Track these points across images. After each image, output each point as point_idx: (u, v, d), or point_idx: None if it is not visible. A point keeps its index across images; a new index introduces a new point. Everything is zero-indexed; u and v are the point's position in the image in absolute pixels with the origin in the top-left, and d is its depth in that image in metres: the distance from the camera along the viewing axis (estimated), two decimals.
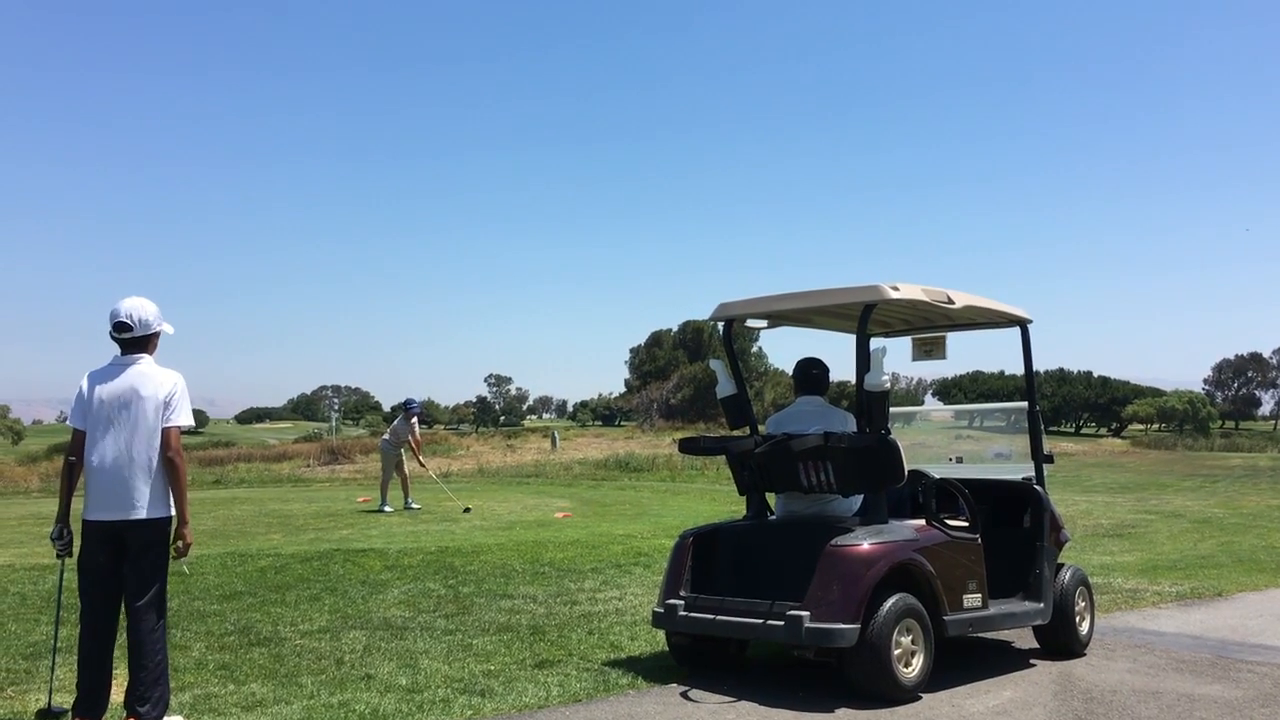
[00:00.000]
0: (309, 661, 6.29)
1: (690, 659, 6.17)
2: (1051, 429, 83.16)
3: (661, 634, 6.46)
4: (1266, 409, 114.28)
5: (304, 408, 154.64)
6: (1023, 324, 7.06)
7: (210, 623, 7.39)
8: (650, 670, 6.11)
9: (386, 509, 16.51)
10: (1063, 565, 6.83)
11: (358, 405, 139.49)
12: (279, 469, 34.69)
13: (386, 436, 17.68)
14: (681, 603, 5.97)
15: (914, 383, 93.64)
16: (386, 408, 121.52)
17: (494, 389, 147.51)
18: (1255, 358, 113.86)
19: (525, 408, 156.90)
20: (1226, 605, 9.00)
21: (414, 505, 16.83)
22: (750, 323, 6.90)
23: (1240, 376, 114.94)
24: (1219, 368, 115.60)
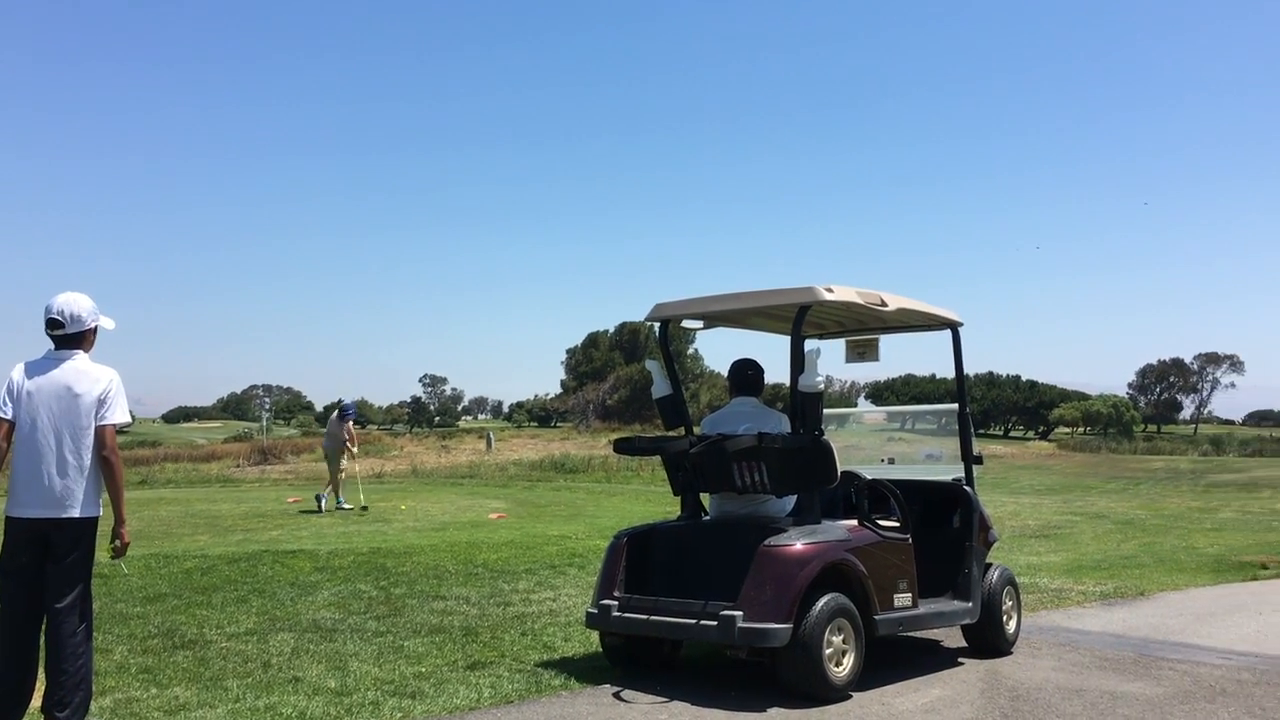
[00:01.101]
0: (235, 664, 6.17)
1: (624, 659, 6.16)
2: (981, 431, 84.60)
3: (595, 635, 6.44)
4: (1187, 413, 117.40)
5: (234, 407, 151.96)
6: (954, 327, 7.16)
7: (133, 625, 7.22)
8: (583, 671, 6.09)
9: (345, 505, 16.53)
10: (991, 565, 6.93)
11: (289, 405, 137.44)
12: (207, 469, 34.07)
13: (326, 440, 17.54)
14: (615, 603, 5.96)
15: (848, 385, 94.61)
16: (319, 408, 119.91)
17: (429, 389, 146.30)
18: (1177, 363, 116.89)
19: (461, 408, 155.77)
20: (1148, 604, 9.21)
21: (346, 505, 16.65)
22: (686, 323, 6.92)
23: (1162, 381, 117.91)
24: (1142, 372, 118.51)
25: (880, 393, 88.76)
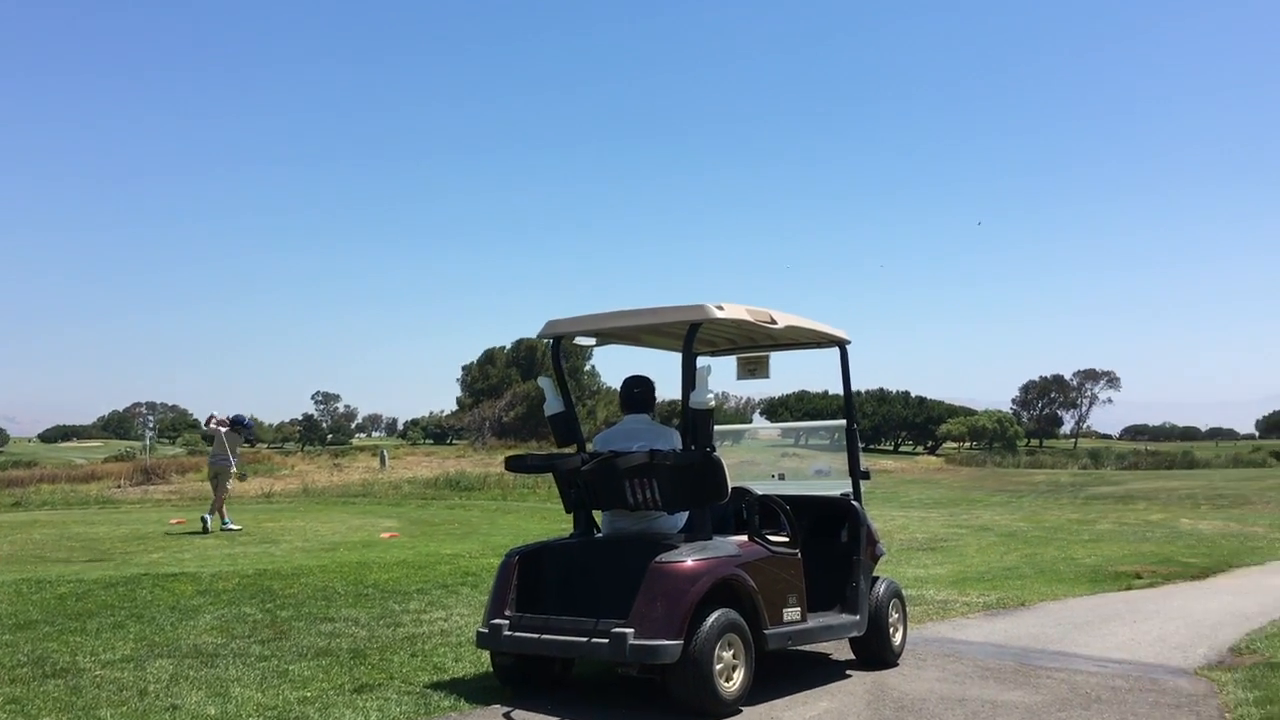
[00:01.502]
0: (109, 693, 5.93)
1: (515, 679, 6.11)
2: (872, 447, 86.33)
3: (487, 655, 6.37)
4: (1068, 427, 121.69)
5: (115, 425, 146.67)
6: (842, 344, 7.30)
7: (0, 654, 6.90)
8: (474, 692, 6.02)
9: (231, 526, 16.05)
10: (878, 578, 7.06)
11: (174, 423, 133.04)
12: (86, 490, 32.74)
13: (217, 453, 16.85)
14: (506, 622, 5.91)
15: (743, 401, 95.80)
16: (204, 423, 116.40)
17: (321, 407, 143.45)
18: (1057, 379, 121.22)
19: (354, 426, 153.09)
20: (1029, 614, 9.49)
21: (233, 527, 16.19)
22: (579, 340, 6.92)
23: (1044, 397, 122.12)
24: (1025, 388, 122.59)
25: (775, 409, 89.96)
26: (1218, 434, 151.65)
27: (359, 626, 8.06)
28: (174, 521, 18.27)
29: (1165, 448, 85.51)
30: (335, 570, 10.97)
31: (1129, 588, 11.61)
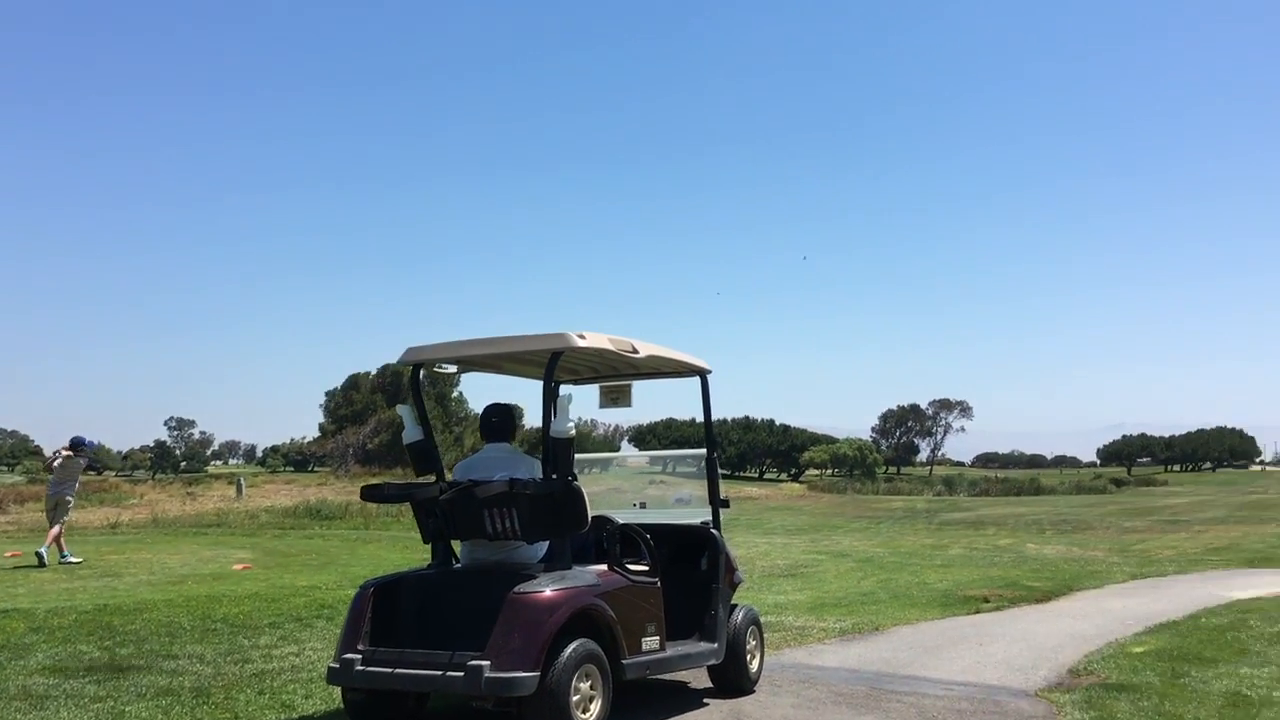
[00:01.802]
0: None
1: (367, 715, 5.94)
2: (737, 474, 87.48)
3: (339, 691, 6.19)
4: (924, 455, 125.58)
5: None
6: (702, 374, 7.39)
7: None
8: None
9: (71, 559, 15.20)
10: (736, 606, 7.14)
11: (14, 449, 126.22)
12: None
13: (58, 480, 15.97)
14: (359, 656, 5.75)
15: (611, 429, 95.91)
16: (49, 452, 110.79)
17: (175, 433, 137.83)
18: (914, 408, 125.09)
19: (210, 453, 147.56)
20: (883, 639, 9.72)
21: (73, 559, 15.39)
22: (441, 367, 6.84)
23: (902, 425, 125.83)
24: (884, 417, 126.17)
25: (643, 436, 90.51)
26: (1062, 461, 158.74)
27: (204, 664, 7.74)
28: (9, 554, 17.27)
29: (1014, 475, 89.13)
30: (182, 604, 10.54)
31: (977, 611, 11.99)
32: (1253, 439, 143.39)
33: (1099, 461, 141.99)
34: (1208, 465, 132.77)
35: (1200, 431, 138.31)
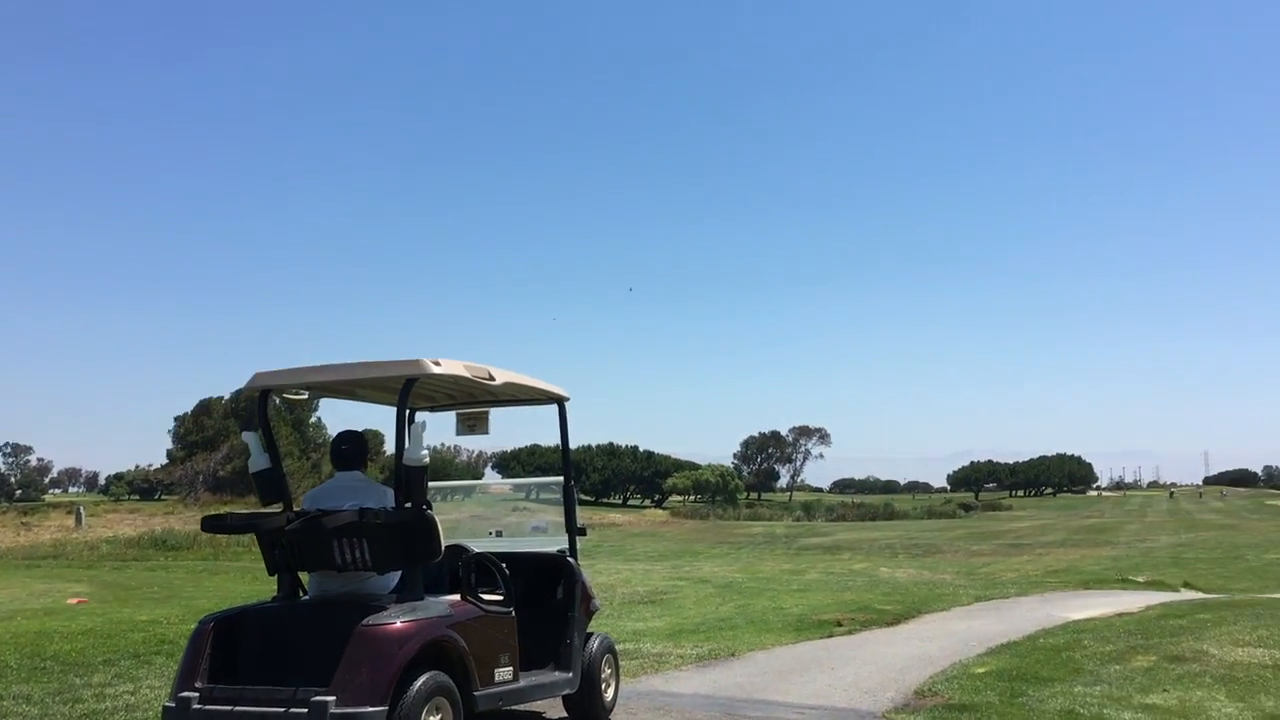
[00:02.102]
0: None
1: None
2: (602, 501, 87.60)
3: None
4: (784, 481, 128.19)
5: None
6: (560, 401, 7.37)
7: None
8: None
9: None
10: (592, 634, 7.12)
11: None
12: None
13: None
14: (196, 695, 5.51)
15: (475, 455, 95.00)
16: None
17: (10, 459, 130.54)
18: (775, 435, 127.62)
19: (48, 481, 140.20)
20: (738, 664, 9.82)
21: None
22: (289, 395, 6.65)
23: (763, 451, 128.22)
24: (746, 444, 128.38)
25: (507, 462, 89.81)
26: (915, 487, 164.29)
27: (31, 704, 7.32)
28: None
29: (870, 499, 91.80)
30: (9, 641, 9.96)
31: (830, 635, 12.24)
32: (1090, 465, 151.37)
33: (949, 487, 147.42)
34: (1049, 490, 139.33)
35: (1042, 458, 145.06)
